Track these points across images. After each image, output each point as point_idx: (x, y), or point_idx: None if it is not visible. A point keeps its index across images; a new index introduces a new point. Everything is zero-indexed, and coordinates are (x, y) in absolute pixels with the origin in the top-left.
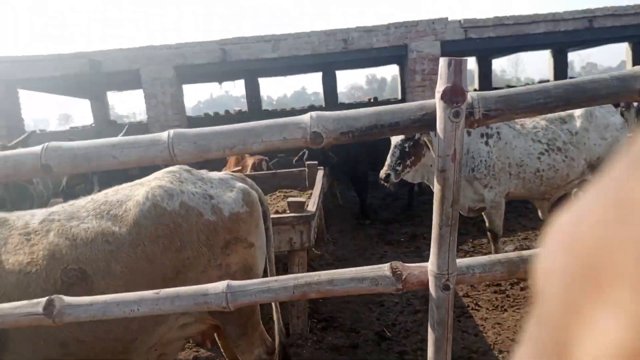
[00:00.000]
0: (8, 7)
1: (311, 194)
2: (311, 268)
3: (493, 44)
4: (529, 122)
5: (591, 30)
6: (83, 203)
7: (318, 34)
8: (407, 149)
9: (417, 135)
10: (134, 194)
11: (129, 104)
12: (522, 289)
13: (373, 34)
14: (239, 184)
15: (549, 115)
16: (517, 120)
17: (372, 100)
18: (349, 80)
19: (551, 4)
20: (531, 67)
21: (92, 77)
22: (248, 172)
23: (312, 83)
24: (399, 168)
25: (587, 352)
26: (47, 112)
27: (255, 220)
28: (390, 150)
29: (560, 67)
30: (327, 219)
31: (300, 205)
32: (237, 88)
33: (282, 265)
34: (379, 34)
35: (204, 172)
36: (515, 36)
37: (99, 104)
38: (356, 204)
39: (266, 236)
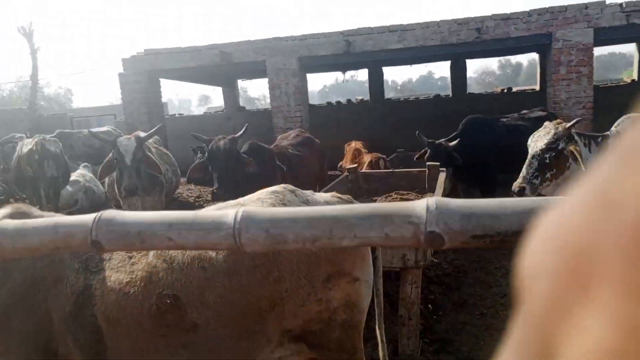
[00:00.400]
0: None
1: None
2: (426, 277)
3: None
4: None
5: None
6: None
7: (449, 22)
8: (547, 160)
9: (560, 145)
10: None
11: (260, 88)
12: None
13: (511, 21)
14: None
15: None
16: None
17: (505, 91)
18: (479, 64)
19: None
20: None
21: (222, 67)
22: (364, 169)
23: (439, 67)
24: (537, 181)
25: (573, 352)
26: (190, 93)
27: (361, 252)
28: (527, 160)
29: None
30: None
31: None
32: (362, 73)
33: (395, 274)
34: (518, 21)
35: (309, 194)
36: None
37: (230, 91)
38: None
39: (374, 267)
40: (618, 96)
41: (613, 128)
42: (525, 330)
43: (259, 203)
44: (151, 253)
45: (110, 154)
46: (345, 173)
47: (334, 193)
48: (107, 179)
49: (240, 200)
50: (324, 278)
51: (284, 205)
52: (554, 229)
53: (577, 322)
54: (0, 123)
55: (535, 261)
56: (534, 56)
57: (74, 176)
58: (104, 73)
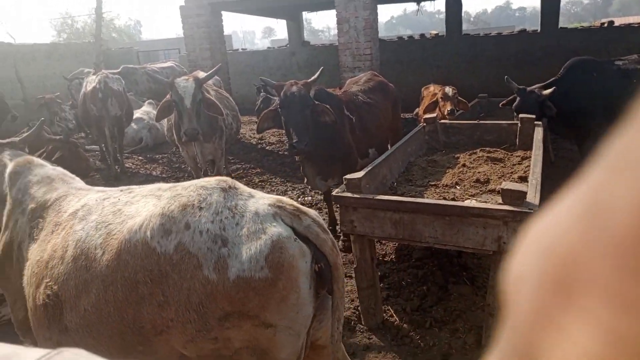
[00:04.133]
0: None
1: (522, 160)
2: None
3: None
4: None
5: None
6: (116, 196)
7: None
8: None
9: None
10: (139, 211)
11: (324, 19)
12: None
13: None
14: (277, 230)
15: None
16: None
17: (605, 25)
18: None
19: None
20: None
21: None
22: (443, 121)
23: None
24: None
25: None
26: (254, 25)
27: (280, 293)
28: None
29: None
30: None
31: (520, 196)
32: (433, 3)
33: (477, 262)
34: None
35: (246, 195)
36: None
37: (294, 24)
38: (573, 162)
39: (332, 306)
40: None
41: None
42: (509, 339)
43: (169, 203)
44: (64, 231)
45: (169, 95)
46: (422, 124)
47: (277, 200)
48: (165, 122)
49: (173, 187)
50: (219, 316)
51: (198, 210)
52: (542, 236)
53: (562, 331)
54: (71, 55)
55: (521, 269)
56: None
57: (138, 113)
58: (172, 3)
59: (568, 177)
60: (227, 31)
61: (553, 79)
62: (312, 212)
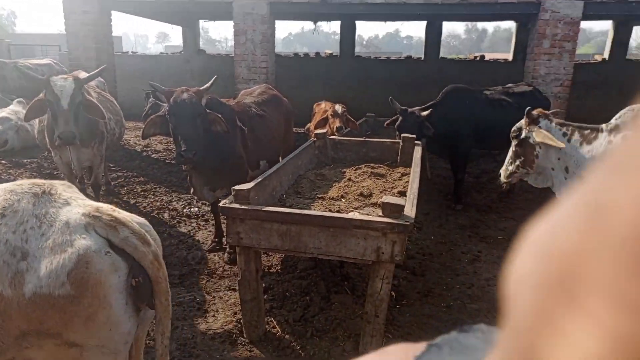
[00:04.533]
0: None
1: (402, 176)
2: None
3: None
4: None
5: None
6: None
7: None
8: (514, 148)
9: (523, 134)
10: None
11: (222, 29)
12: None
13: None
14: (85, 243)
15: None
16: None
17: (477, 59)
18: (445, 27)
19: None
20: None
21: (184, 5)
22: (332, 137)
23: (406, 27)
24: (511, 168)
25: None
26: (148, 29)
27: (86, 311)
28: None
29: None
30: None
31: (398, 210)
32: (329, 24)
33: (358, 271)
34: None
35: (60, 201)
36: None
37: (190, 32)
38: (446, 179)
39: (156, 320)
40: (590, 75)
41: (613, 120)
42: (510, 341)
43: None
44: None
45: (42, 94)
46: (313, 139)
47: (94, 209)
48: (37, 123)
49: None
50: (16, 334)
51: (3, 216)
52: (543, 237)
53: (563, 332)
54: None
55: (522, 271)
56: (502, 24)
57: (4, 112)
58: None
59: (439, 191)
60: (117, 32)
61: (432, 102)
62: (134, 223)
